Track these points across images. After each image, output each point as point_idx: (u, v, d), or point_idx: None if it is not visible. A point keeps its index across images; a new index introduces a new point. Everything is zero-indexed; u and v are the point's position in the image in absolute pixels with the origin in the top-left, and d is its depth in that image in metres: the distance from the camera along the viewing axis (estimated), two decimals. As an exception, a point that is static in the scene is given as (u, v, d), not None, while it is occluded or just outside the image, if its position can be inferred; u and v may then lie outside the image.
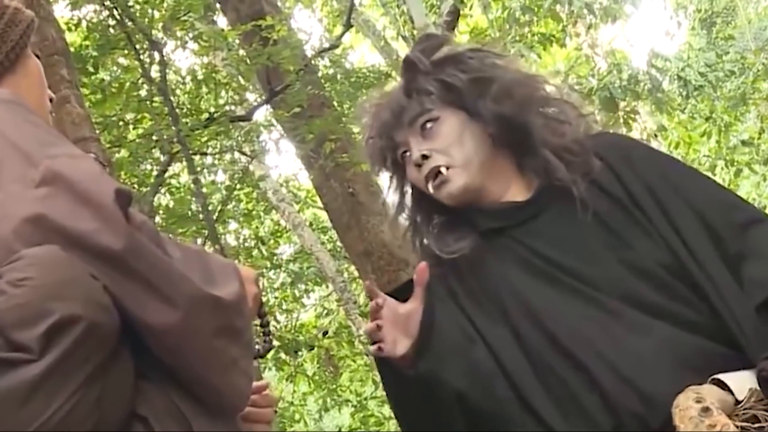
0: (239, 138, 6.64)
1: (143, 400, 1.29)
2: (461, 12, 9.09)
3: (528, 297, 1.74)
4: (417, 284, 1.67)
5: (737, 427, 1.52)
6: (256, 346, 1.62)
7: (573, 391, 1.66)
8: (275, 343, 1.47)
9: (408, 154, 1.88)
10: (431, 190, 1.85)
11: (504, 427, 1.69)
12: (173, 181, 7.46)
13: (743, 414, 1.54)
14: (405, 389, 1.71)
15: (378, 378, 9.58)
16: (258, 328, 1.63)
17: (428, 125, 1.85)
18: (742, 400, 1.55)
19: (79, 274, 1.23)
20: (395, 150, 1.90)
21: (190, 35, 6.43)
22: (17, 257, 1.23)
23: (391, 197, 1.99)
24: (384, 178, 2.01)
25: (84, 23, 6.16)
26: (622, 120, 8.59)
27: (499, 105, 1.82)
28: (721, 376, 1.58)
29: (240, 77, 6.96)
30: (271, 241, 9.40)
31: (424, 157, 1.83)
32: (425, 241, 1.92)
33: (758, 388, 1.55)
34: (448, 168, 1.83)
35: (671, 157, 1.96)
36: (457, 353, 1.72)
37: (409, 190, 1.95)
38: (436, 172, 1.83)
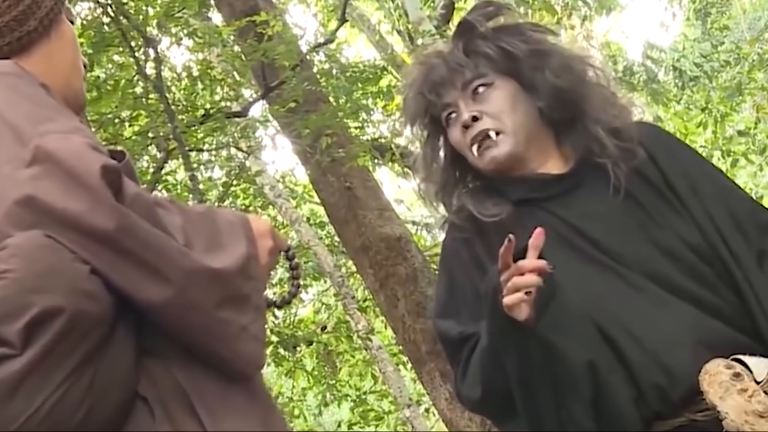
0: (235, 134, 6.62)
1: (146, 379, 1.27)
2: (456, 5, 9.08)
3: (555, 269, 1.73)
4: (532, 248, 1.61)
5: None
6: (284, 294, 1.61)
7: (596, 364, 1.67)
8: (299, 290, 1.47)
9: (454, 115, 1.85)
10: (475, 153, 1.83)
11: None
12: (170, 178, 7.43)
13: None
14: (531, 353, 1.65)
15: (377, 372, 9.59)
16: (286, 274, 1.57)
17: (481, 89, 1.84)
18: (761, 382, 1.58)
19: (62, 263, 1.20)
20: (441, 109, 1.87)
21: (185, 32, 6.41)
22: (2, 246, 1.21)
23: (421, 156, 1.95)
24: (416, 136, 1.97)
25: (78, 21, 6.15)
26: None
27: (558, 78, 1.83)
28: (742, 357, 1.61)
29: (235, 73, 6.94)
30: (269, 237, 9.34)
31: (474, 118, 1.81)
32: (456, 202, 1.89)
33: None
34: (497, 133, 1.81)
35: (700, 155, 1.99)
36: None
37: (442, 150, 1.92)
38: (484, 135, 1.81)
